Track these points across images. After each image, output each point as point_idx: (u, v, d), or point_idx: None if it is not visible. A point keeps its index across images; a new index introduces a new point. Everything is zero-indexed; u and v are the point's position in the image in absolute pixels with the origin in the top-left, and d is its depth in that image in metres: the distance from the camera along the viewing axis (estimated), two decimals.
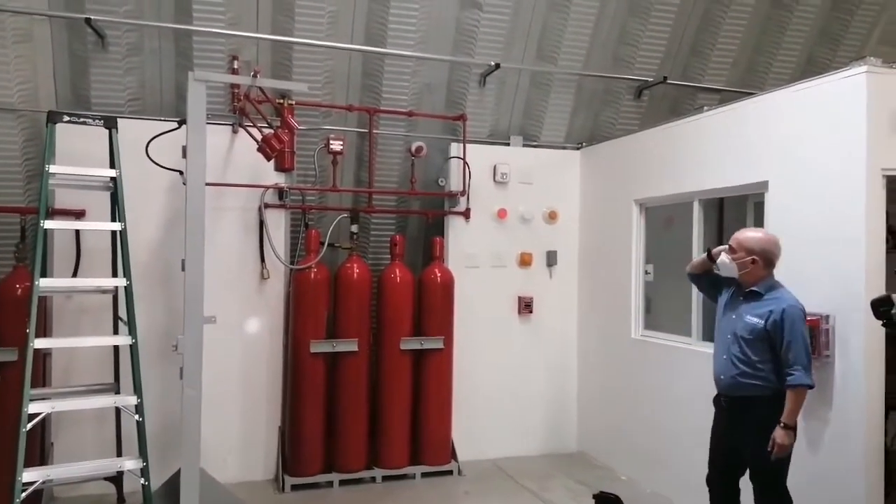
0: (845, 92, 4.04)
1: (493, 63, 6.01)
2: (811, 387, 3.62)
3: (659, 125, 5.85)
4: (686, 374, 5.20)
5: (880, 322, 3.56)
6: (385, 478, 5.82)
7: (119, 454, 5.10)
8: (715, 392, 3.97)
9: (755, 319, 3.69)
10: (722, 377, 3.84)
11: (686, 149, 5.37)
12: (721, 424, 3.94)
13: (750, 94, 5.17)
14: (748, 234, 3.86)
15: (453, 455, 6.08)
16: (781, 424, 3.58)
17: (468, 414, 6.25)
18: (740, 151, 4.82)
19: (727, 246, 3.90)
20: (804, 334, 3.64)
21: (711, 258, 4.03)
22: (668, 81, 6.48)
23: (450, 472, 6.01)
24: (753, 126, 4.72)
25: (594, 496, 4.90)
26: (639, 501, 5.22)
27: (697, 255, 5.20)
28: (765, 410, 3.65)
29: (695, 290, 4.99)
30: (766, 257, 3.76)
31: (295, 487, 5.58)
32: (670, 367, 5.42)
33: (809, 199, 4.22)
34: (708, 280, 4.16)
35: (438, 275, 6.05)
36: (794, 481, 3.72)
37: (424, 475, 5.94)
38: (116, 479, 5.09)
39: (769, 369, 3.67)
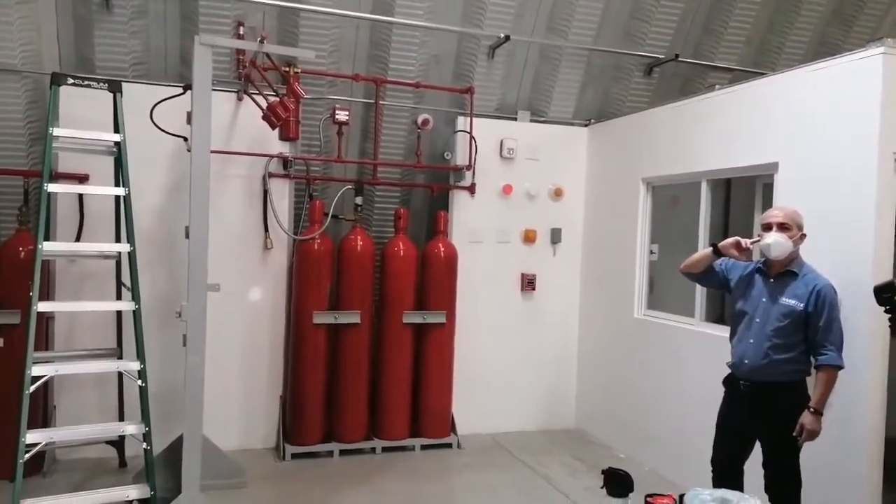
0: (861, 73, 3.97)
1: (502, 35, 5.93)
2: (842, 367, 3.53)
3: (669, 103, 5.78)
4: (688, 355, 5.21)
5: (883, 309, 3.53)
6: (384, 449, 5.87)
7: (121, 419, 5.14)
8: (723, 375, 3.89)
9: (794, 301, 3.57)
10: (747, 361, 3.68)
11: (696, 128, 5.32)
12: (736, 409, 3.80)
13: (762, 74, 5.10)
14: (793, 209, 3.74)
15: (453, 428, 6.12)
16: (811, 409, 3.48)
17: (468, 388, 6.27)
18: (751, 132, 4.76)
19: (757, 236, 3.74)
20: (839, 315, 3.58)
21: (718, 253, 3.83)
22: (680, 59, 6.40)
23: (449, 445, 6.05)
24: (765, 106, 4.66)
25: (603, 472, 4.86)
26: (637, 479, 5.24)
27: (704, 238, 5.16)
28: (791, 397, 3.58)
29: None
30: (804, 233, 3.70)
31: (295, 456, 5.62)
32: (672, 348, 5.43)
33: (819, 182, 4.18)
34: (715, 273, 3.96)
35: (442, 249, 6.03)
36: None
37: (424, 447, 5.98)
38: (118, 443, 5.15)
39: (801, 351, 3.60)
